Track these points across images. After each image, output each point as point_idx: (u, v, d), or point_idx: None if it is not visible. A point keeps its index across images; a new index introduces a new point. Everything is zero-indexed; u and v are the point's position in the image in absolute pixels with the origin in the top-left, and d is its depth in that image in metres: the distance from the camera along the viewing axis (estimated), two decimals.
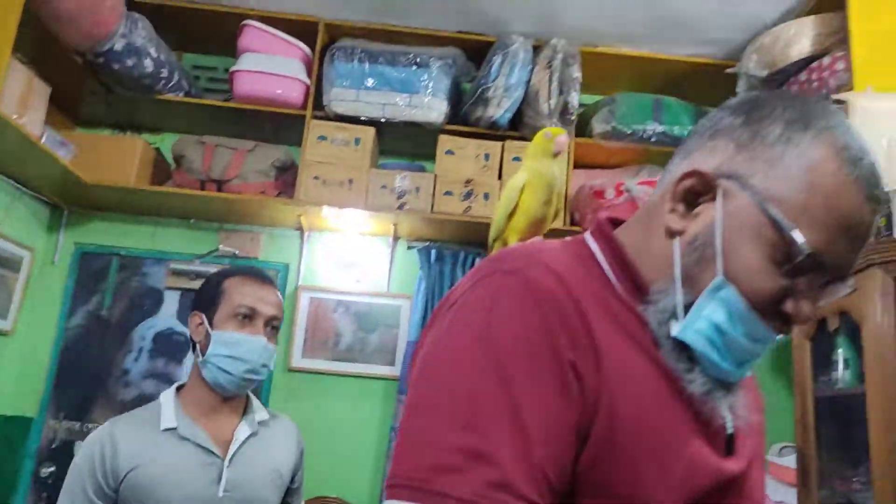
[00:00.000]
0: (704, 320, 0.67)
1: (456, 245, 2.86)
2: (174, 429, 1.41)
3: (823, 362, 2.04)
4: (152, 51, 2.55)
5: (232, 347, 1.44)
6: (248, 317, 1.46)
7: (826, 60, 2.28)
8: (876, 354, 1.76)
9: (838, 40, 2.27)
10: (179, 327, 2.75)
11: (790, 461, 2.25)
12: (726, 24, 2.61)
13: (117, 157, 2.62)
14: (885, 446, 1.69)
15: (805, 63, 2.35)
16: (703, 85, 2.85)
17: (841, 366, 1.97)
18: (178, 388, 1.52)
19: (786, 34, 2.35)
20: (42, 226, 2.80)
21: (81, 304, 2.74)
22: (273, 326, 1.51)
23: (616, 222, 0.79)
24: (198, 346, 1.48)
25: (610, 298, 0.70)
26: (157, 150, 2.82)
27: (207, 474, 1.39)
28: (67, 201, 2.78)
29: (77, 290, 2.76)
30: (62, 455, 2.58)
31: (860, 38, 2.17)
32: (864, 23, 2.19)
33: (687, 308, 0.68)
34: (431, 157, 2.74)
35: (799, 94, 2.28)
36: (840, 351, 1.97)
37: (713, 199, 0.69)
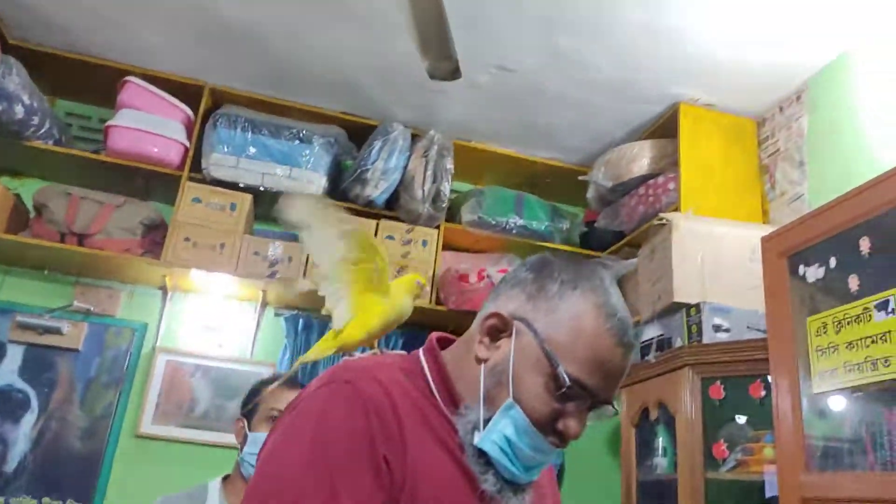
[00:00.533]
0: (498, 433, 0.84)
1: (325, 315, 2.91)
2: None
3: (646, 449, 2.28)
4: (25, 98, 2.48)
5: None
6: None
7: (660, 179, 2.63)
8: (686, 445, 2.01)
9: (671, 163, 2.64)
10: (20, 384, 2.60)
11: None
12: (581, 136, 2.95)
13: None
14: None
15: (644, 179, 2.69)
16: (559, 186, 3.18)
17: (660, 453, 2.21)
18: (224, 479, 1.73)
19: (629, 153, 2.70)
20: None
21: None
22: None
23: (446, 342, 0.97)
24: (239, 447, 1.70)
25: (428, 407, 0.86)
26: (17, 195, 2.71)
27: None
28: None
29: None
30: None
31: (687, 164, 2.55)
32: (691, 152, 2.57)
33: (487, 422, 0.85)
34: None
35: (636, 210, 2.60)
36: (660, 439, 2.22)
37: (510, 336, 0.86)
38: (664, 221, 2.33)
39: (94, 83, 2.82)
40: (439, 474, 0.81)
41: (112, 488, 2.56)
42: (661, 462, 2.19)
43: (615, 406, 0.88)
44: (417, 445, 0.80)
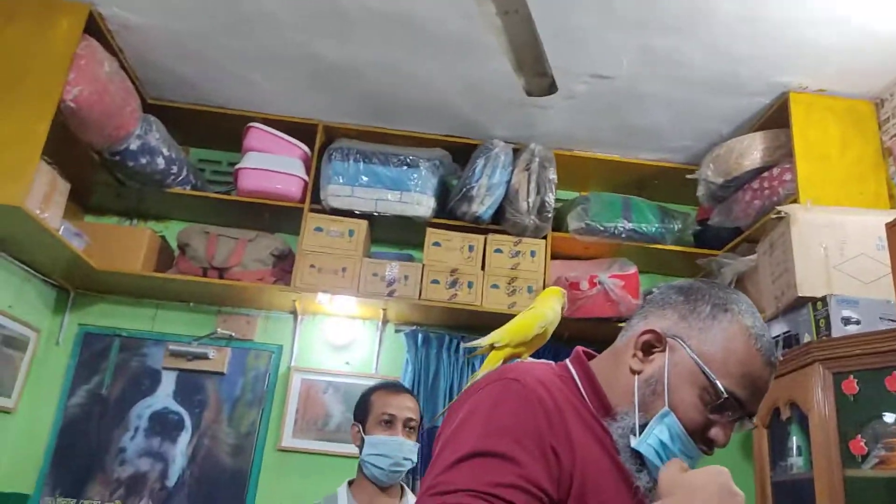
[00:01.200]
0: (654, 437, 0.91)
1: (441, 329, 3.04)
2: None
3: (779, 449, 2.21)
4: (165, 150, 2.77)
5: (378, 447, 1.81)
6: (389, 422, 1.82)
7: (775, 171, 2.55)
8: (821, 441, 1.94)
9: (785, 154, 2.55)
10: (175, 406, 2.88)
11: None
12: (686, 134, 2.90)
13: (126, 246, 2.81)
14: None
15: (757, 172, 2.61)
16: (667, 186, 3.14)
17: (794, 452, 2.14)
18: (350, 483, 1.89)
19: (739, 147, 2.63)
20: (48, 308, 2.95)
21: (82, 384, 2.87)
22: (410, 427, 1.86)
23: (589, 355, 1.05)
24: (359, 449, 1.86)
25: (582, 410, 0.95)
26: (163, 237, 3.01)
27: None
28: (74, 284, 2.95)
29: (79, 369, 2.89)
30: None
31: (802, 153, 2.46)
32: (805, 140, 2.48)
33: (642, 427, 0.92)
34: (420, 246, 2.95)
35: (758, 199, 2.53)
36: (793, 438, 2.14)
37: (663, 350, 0.95)
38: (782, 214, 2.26)
39: (222, 131, 3.10)
40: (601, 469, 0.90)
41: (259, 499, 2.78)
42: (796, 461, 2.12)
43: (754, 420, 0.95)
44: (581, 441, 0.89)
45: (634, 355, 0.97)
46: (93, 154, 2.68)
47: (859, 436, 1.89)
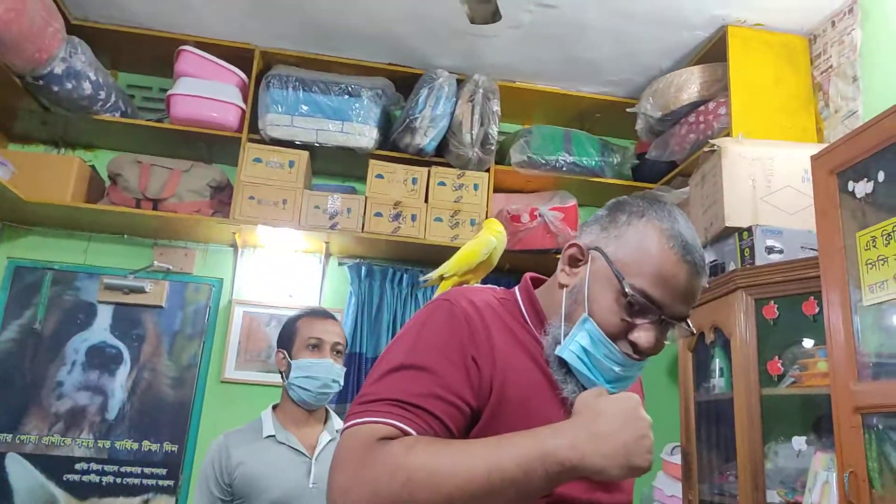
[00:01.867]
0: (576, 343, 0.95)
1: (385, 262, 3.05)
2: (273, 436, 1.81)
3: (703, 371, 2.34)
4: (91, 74, 2.64)
5: (307, 370, 1.82)
6: (316, 346, 1.86)
7: (711, 105, 2.60)
8: (742, 363, 2.06)
9: (721, 88, 2.60)
10: (112, 340, 2.83)
11: (679, 459, 2.53)
12: (627, 68, 2.92)
13: (54, 175, 2.69)
14: (747, 444, 1.98)
15: (694, 106, 2.66)
16: (608, 120, 3.17)
17: (717, 374, 2.27)
18: (274, 407, 1.91)
19: (677, 81, 2.67)
20: None
21: (14, 318, 2.79)
22: (337, 351, 1.89)
23: (537, 282, 1.10)
24: (283, 375, 1.87)
25: (518, 328, 1.00)
26: (92, 166, 2.90)
27: (299, 469, 1.77)
28: (1, 217, 2.82)
29: (10, 304, 2.80)
30: None
31: (737, 87, 2.51)
32: (741, 74, 2.52)
33: (566, 336, 0.96)
34: (362, 179, 2.92)
35: (691, 135, 2.58)
36: (716, 361, 2.27)
37: (587, 262, 0.99)
38: (714, 148, 2.32)
39: (152, 54, 2.95)
40: (526, 379, 0.94)
41: (203, 429, 2.80)
42: (718, 382, 2.25)
43: (690, 325, 0.97)
44: (505, 353, 0.93)
45: (563, 270, 1.02)
46: (14, 78, 2.53)
47: (777, 357, 2.02)
